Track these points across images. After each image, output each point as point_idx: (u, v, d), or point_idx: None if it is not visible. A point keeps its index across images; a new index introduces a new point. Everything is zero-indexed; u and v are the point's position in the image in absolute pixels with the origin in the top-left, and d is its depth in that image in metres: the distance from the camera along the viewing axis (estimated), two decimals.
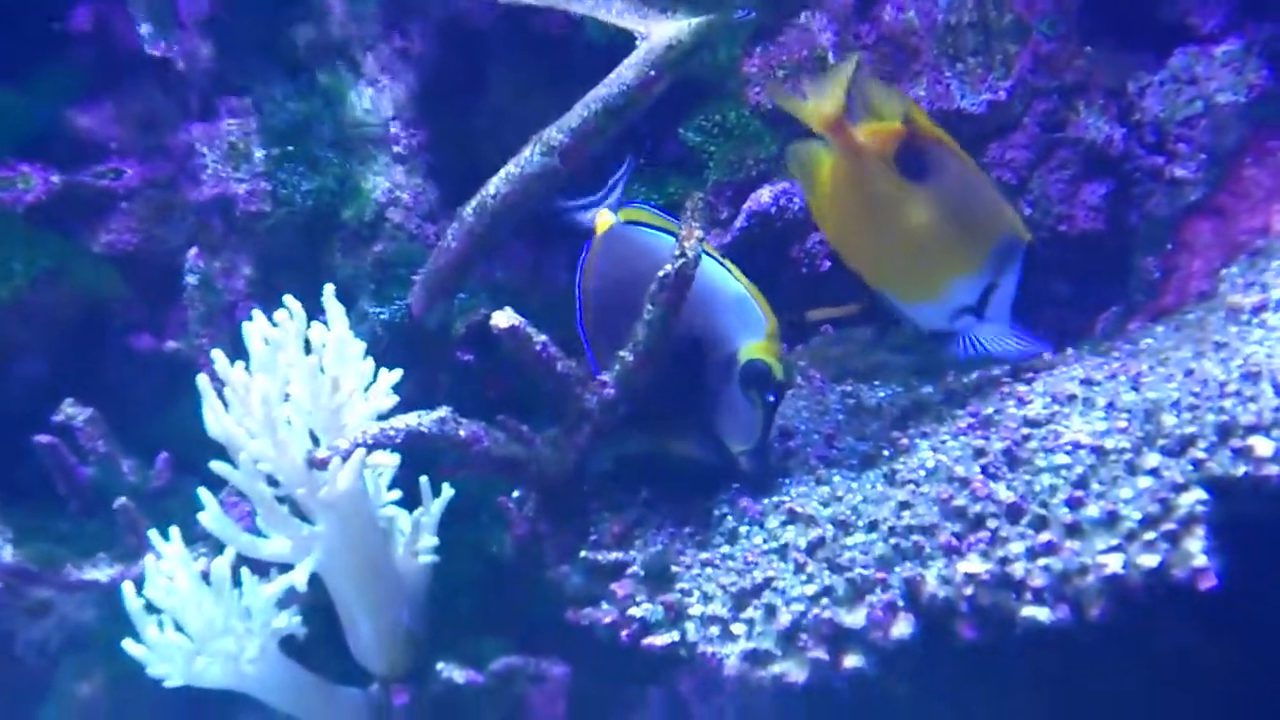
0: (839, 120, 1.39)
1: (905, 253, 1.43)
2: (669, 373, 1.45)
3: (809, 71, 1.86)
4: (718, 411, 1.45)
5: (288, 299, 1.45)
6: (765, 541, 1.40)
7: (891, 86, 1.43)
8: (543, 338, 1.45)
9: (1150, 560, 1.19)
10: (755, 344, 1.44)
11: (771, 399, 1.42)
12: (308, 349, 1.45)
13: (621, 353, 1.46)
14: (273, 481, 1.44)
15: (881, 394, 1.65)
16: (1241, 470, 1.21)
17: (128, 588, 1.45)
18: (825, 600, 1.31)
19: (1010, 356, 1.49)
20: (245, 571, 1.49)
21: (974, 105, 1.84)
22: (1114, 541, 1.21)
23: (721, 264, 1.48)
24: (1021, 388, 1.45)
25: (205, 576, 1.47)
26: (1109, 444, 1.29)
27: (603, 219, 1.56)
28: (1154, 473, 1.24)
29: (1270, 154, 1.70)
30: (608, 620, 1.42)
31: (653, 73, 1.50)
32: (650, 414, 1.50)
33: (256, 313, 1.46)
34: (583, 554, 1.50)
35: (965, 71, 1.86)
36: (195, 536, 1.54)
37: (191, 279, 1.87)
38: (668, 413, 1.50)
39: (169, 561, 1.47)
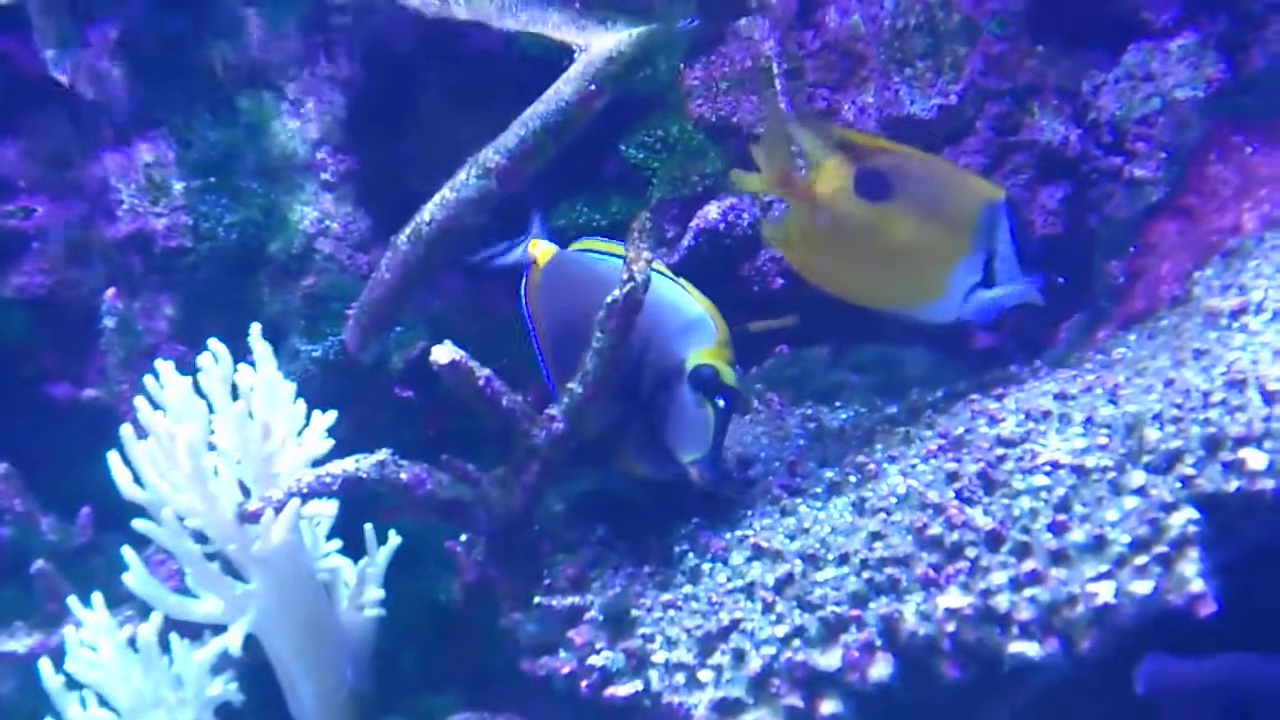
0: (789, 178, 1.41)
1: (898, 268, 1.44)
2: (616, 389, 1.41)
3: (752, 83, 1.80)
4: (667, 423, 1.40)
5: (211, 341, 1.36)
6: (730, 579, 1.33)
7: (818, 122, 1.52)
8: (486, 372, 1.37)
9: (1143, 587, 1.12)
10: (704, 350, 1.39)
11: (723, 403, 1.37)
12: (234, 394, 1.36)
13: (570, 384, 1.39)
14: (201, 538, 1.36)
15: (844, 415, 1.59)
16: (1233, 485, 1.15)
17: (45, 664, 1.36)
18: (797, 642, 1.24)
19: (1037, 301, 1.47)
20: (174, 636, 1.40)
21: (924, 110, 1.80)
22: (1103, 568, 1.15)
23: (664, 274, 1.43)
24: (992, 405, 1.39)
25: (132, 643, 1.38)
26: (1090, 462, 1.23)
27: (541, 250, 1.51)
28: (1140, 492, 1.18)
29: (1235, 149, 1.65)
30: (566, 670, 1.35)
31: (593, 87, 1.42)
32: (598, 434, 1.46)
33: (161, 364, 1.37)
34: (537, 599, 1.42)
35: (914, 76, 1.81)
36: (120, 598, 1.46)
37: (109, 321, 1.77)
38: (616, 430, 1.45)
39: (91, 630, 1.38)
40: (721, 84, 1.82)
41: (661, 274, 1.43)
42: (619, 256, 1.43)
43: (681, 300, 1.42)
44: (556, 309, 1.50)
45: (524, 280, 1.52)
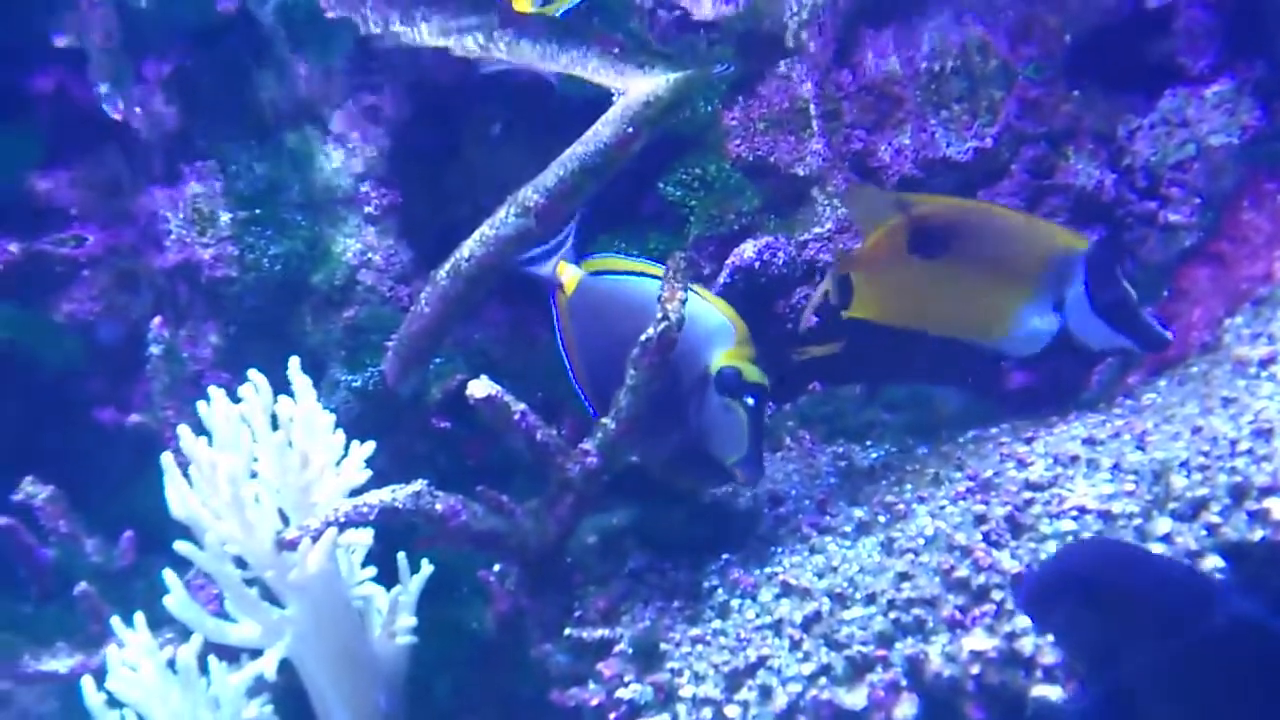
0: (844, 256, 1.51)
1: (962, 313, 1.52)
2: (650, 409, 1.42)
3: (790, 124, 1.82)
4: (704, 430, 1.42)
5: (252, 373, 1.39)
6: (758, 616, 1.34)
7: (875, 190, 1.59)
8: (521, 406, 1.39)
9: None
10: (725, 352, 1.42)
11: (753, 401, 1.39)
12: (275, 424, 1.39)
13: (604, 420, 1.41)
14: (241, 563, 1.38)
15: (874, 455, 1.60)
16: (1259, 535, 1.16)
17: (87, 682, 1.38)
18: (824, 680, 1.25)
19: (1120, 346, 1.51)
20: (213, 659, 1.42)
21: (960, 153, 1.80)
22: None
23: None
24: (1021, 448, 1.40)
25: (171, 665, 1.40)
26: (1116, 508, 1.24)
27: (567, 275, 1.55)
28: (1166, 539, 1.19)
29: (1268, 197, 1.65)
30: (594, 702, 1.36)
31: (630, 130, 1.45)
32: (643, 449, 1.50)
33: (214, 390, 1.40)
34: (567, 631, 1.44)
35: (950, 119, 1.82)
36: (161, 620, 1.47)
37: (155, 349, 1.81)
38: (659, 447, 1.48)
39: (132, 651, 1.40)
40: (759, 124, 1.84)
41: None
42: (640, 274, 1.49)
43: (698, 310, 1.44)
44: (588, 336, 1.53)
45: (553, 306, 1.56)
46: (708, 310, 1.45)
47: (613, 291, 1.52)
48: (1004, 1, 1.81)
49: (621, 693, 1.34)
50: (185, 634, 1.41)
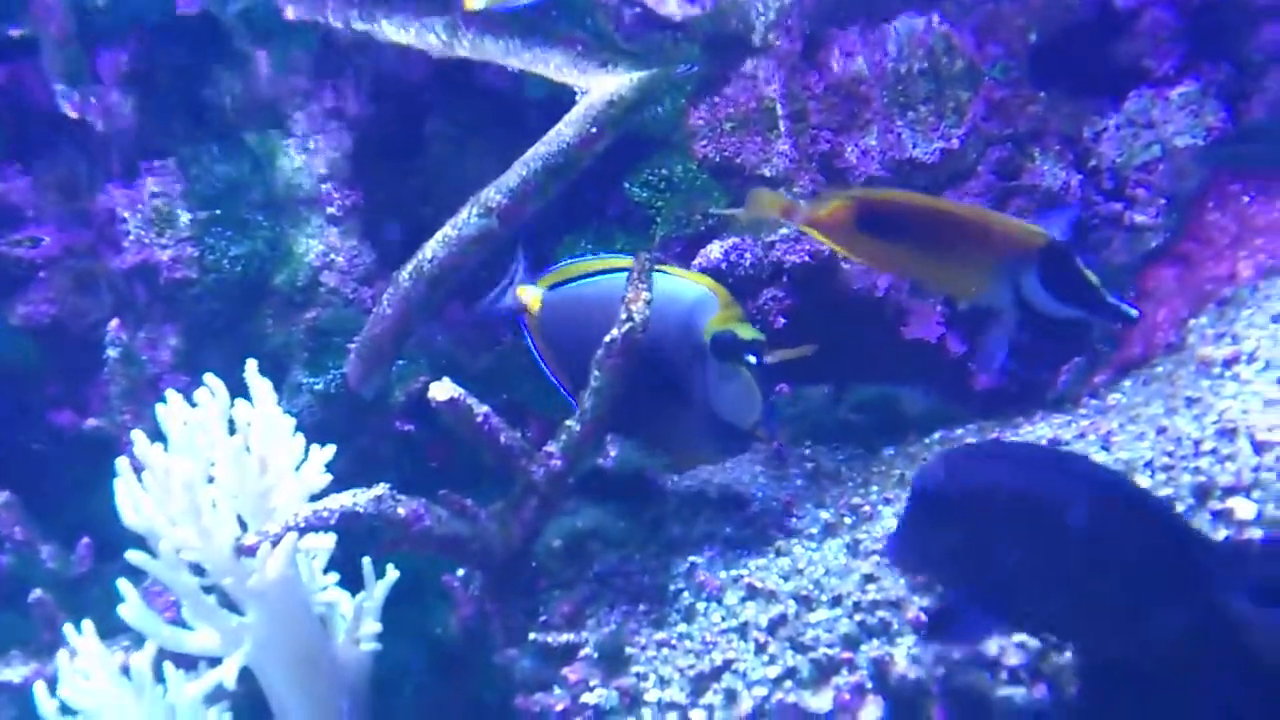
0: (792, 208, 1.47)
1: (923, 281, 1.56)
2: (652, 396, 1.42)
3: (756, 124, 1.82)
4: (713, 401, 1.40)
5: (208, 377, 1.37)
6: (724, 619, 1.33)
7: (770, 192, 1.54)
8: (484, 409, 1.38)
9: None
10: (714, 319, 1.40)
11: (754, 359, 1.37)
12: (233, 428, 1.37)
13: (569, 422, 1.40)
14: (199, 570, 1.36)
15: (841, 456, 1.59)
16: (1223, 534, 1.15)
17: (40, 689, 1.36)
18: (789, 683, 1.25)
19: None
20: (169, 667, 1.39)
21: (927, 154, 1.80)
22: None
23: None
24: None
25: (126, 672, 1.38)
26: None
27: (528, 297, 1.53)
28: None
29: (1232, 198, 1.66)
30: (560, 707, 1.34)
31: (594, 129, 1.44)
32: (657, 438, 1.51)
33: (171, 393, 1.38)
34: (532, 635, 1.42)
35: (917, 120, 1.82)
36: (118, 628, 1.45)
37: (113, 351, 1.78)
38: (673, 431, 1.47)
39: (85, 658, 1.38)
40: (725, 125, 1.83)
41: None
42: (599, 273, 1.47)
43: (677, 287, 1.43)
44: (564, 345, 1.51)
45: (524, 329, 1.54)
46: (684, 285, 1.43)
47: (578, 297, 1.50)
48: (970, 1, 1.81)
49: (587, 697, 1.32)
50: (142, 642, 1.39)
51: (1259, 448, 1.19)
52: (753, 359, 1.37)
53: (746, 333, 1.39)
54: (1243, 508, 1.15)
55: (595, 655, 1.37)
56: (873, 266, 1.53)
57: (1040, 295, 1.41)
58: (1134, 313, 1.40)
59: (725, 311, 1.41)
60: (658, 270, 1.43)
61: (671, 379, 1.42)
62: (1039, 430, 1.40)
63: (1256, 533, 1.14)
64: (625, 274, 1.37)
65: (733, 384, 1.39)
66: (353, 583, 1.53)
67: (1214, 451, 1.21)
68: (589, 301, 1.48)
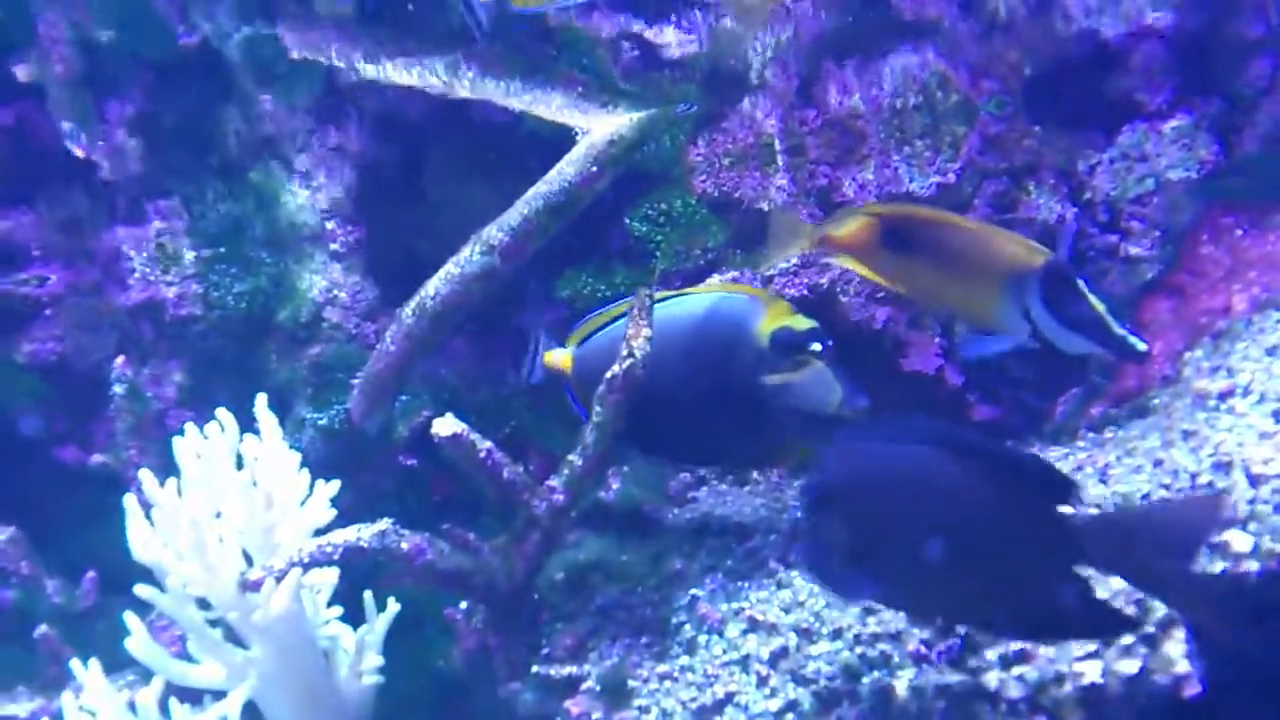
0: (826, 237, 1.49)
1: (940, 300, 1.54)
2: (726, 418, 1.42)
3: (755, 159, 1.83)
4: (792, 399, 1.39)
5: (219, 412, 1.38)
6: (725, 652, 1.34)
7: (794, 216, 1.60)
8: (487, 444, 1.39)
9: (1130, 667, 1.13)
10: (763, 322, 1.40)
11: (820, 344, 1.37)
12: (240, 463, 1.38)
13: (571, 456, 1.41)
14: (204, 604, 1.37)
15: None
16: (1219, 567, 1.16)
17: None
18: (791, 715, 1.26)
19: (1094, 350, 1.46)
20: (174, 701, 1.40)
21: (923, 188, 1.81)
22: (1091, 647, 1.16)
23: (680, 294, 1.46)
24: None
25: (132, 708, 1.39)
26: None
27: (557, 359, 1.55)
28: None
29: (1226, 230, 1.67)
30: None
31: (594, 168, 1.45)
32: (742, 457, 1.52)
33: (190, 427, 1.39)
34: (535, 668, 1.43)
35: (913, 154, 1.83)
36: (124, 662, 1.46)
37: (118, 388, 1.80)
38: (757, 444, 1.47)
39: (91, 693, 1.38)
40: (724, 160, 1.85)
41: (679, 294, 1.45)
42: (617, 318, 1.48)
43: (718, 302, 1.43)
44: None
45: (569, 394, 1.56)
46: (726, 299, 1.43)
47: (605, 346, 1.50)
48: (964, 37, 1.83)
49: None
50: (148, 676, 1.40)
51: (1254, 481, 1.20)
52: (817, 346, 1.37)
53: (801, 324, 1.38)
54: (1239, 541, 1.16)
55: (598, 688, 1.37)
56: (894, 285, 1.52)
57: (1045, 320, 1.42)
58: (1143, 347, 1.39)
59: (772, 309, 1.41)
60: (689, 293, 1.44)
61: (740, 394, 1.41)
62: None
63: (1253, 565, 1.15)
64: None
65: (805, 376, 1.38)
66: (356, 616, 1.54)
67: (1210, 485, 1.22)
68: (613, 346, 1.46)
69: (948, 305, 1.56)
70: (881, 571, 1.10)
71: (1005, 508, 1.05)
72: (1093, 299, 1.41)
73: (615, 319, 1.51)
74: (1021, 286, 1.42)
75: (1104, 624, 1.07)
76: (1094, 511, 1.16)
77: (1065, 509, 1.04)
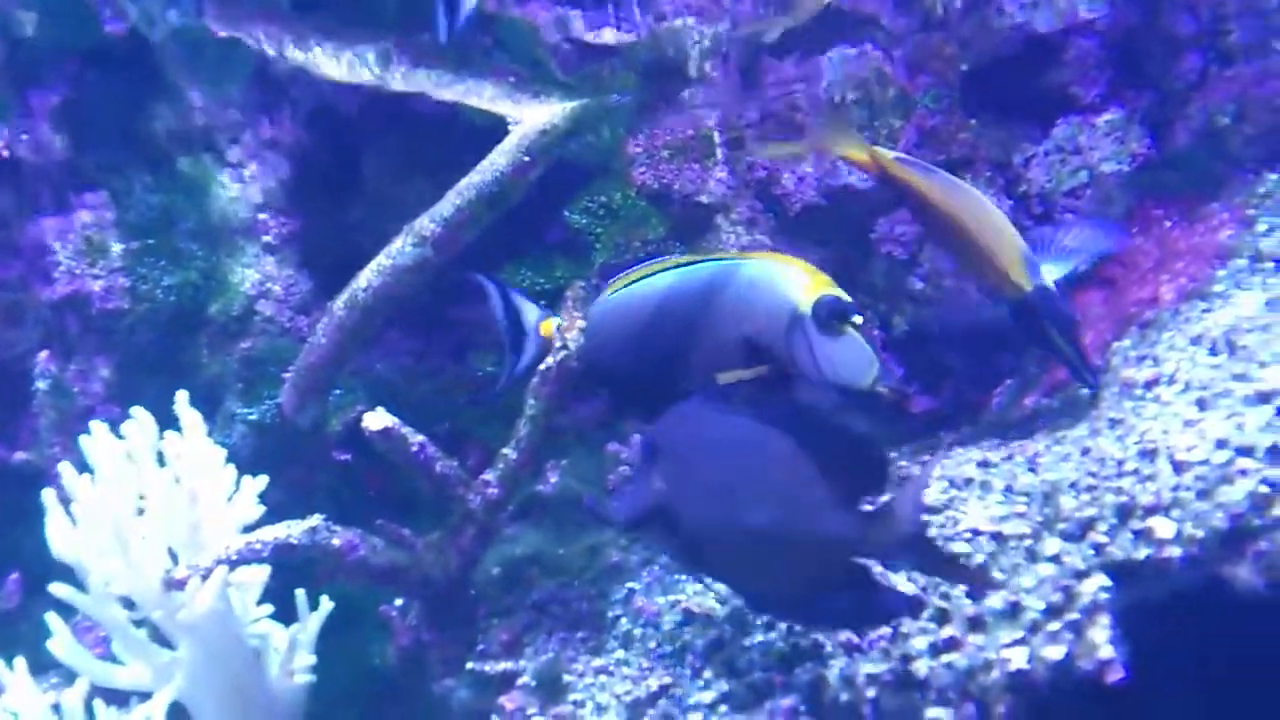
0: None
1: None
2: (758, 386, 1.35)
3: (694, 152, 1.83)
4: (828, 369, 1.30)
5: (136, 409, 1.36)
6: (661, 644, 1.34)
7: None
8: (420, 438, 1.38)
9: (1055, 653, 1.14)
10: (808, 286, 1.31)
11: (859, 318, 1.29)
12: (164, 460, 1.36)
13: (505, 450, 1.40)
14: (129, 603, 1.35)
15: None
16: (1143, 554, 1.17)
17: None
18: (724, 707, 1.25)
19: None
20: (99, 703, 1.38)
21: (862, 180, 1.82)
22: (1018, 634, 1.17)
23: (716, 258, 1.39)
24: (919, 471, 1.41)
25: (57, 709, 1.37)
26: (1008, 529, 1.25)
27: (564, 324, 1.43)
28: (1055, 559, 1.21)
29: (1156, 223, 1.69)
30: None
31: (527, 158, 1.44)
32: None
33: (96, 424, 1.37)
34: (470, 664, 1.42)
35: None
36: (48, 664, 1.43)
37: (42, 384, 1.77)
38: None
39: (15, 696, 1.36)
40: (664, 152, 1.84)
41: (708, 259, 1.39)
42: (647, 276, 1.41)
43: (757, 267, 1.35)
44: (628, 355, 1.41)
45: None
46: (765, 264, 1.35)
47: (630, 304, 1.41)
48: (901, 32, 1.84)
49: None
50: (73, 678, 1.38)
51: (1178, 468, 1.21)
52: (859, 318, 1.28)
53: (844, 295, 1.30)
54: (1162, 527, 1.17)
55: (533, 683, 1.37)
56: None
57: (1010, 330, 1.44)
58: (1091, 386, 1.42)
59: (813, 279, 1.32)
60: (725, 258, 1.38)
61: (777, 362, 1.33)
62: (970, 453, 1.42)
63: (1176, 551, 1.16)
64: (655, 274, 1.36)
65: (844, 347, 1.29)
66: (291, 615, 1.52)
67: (1136, 472, 1.23)
68: (640, 305, 1.40)
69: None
70: (677, 530, 1.12)
71: (795, 487, 1.06)
72: (1056, 338, 1.42)
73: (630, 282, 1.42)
74: (997, 299, 1.43)
75: (883, 608, 1.09)
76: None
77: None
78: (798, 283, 1.31)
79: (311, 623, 1.49)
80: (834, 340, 1.29)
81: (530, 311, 1.48)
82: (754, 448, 1.10)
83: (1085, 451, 1.29)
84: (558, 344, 1.36)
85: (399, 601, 1.52)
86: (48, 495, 1.32)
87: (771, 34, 1.51)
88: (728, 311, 1.33)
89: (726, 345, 1.33)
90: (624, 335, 1.40)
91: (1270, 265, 1.50)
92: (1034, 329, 1.41)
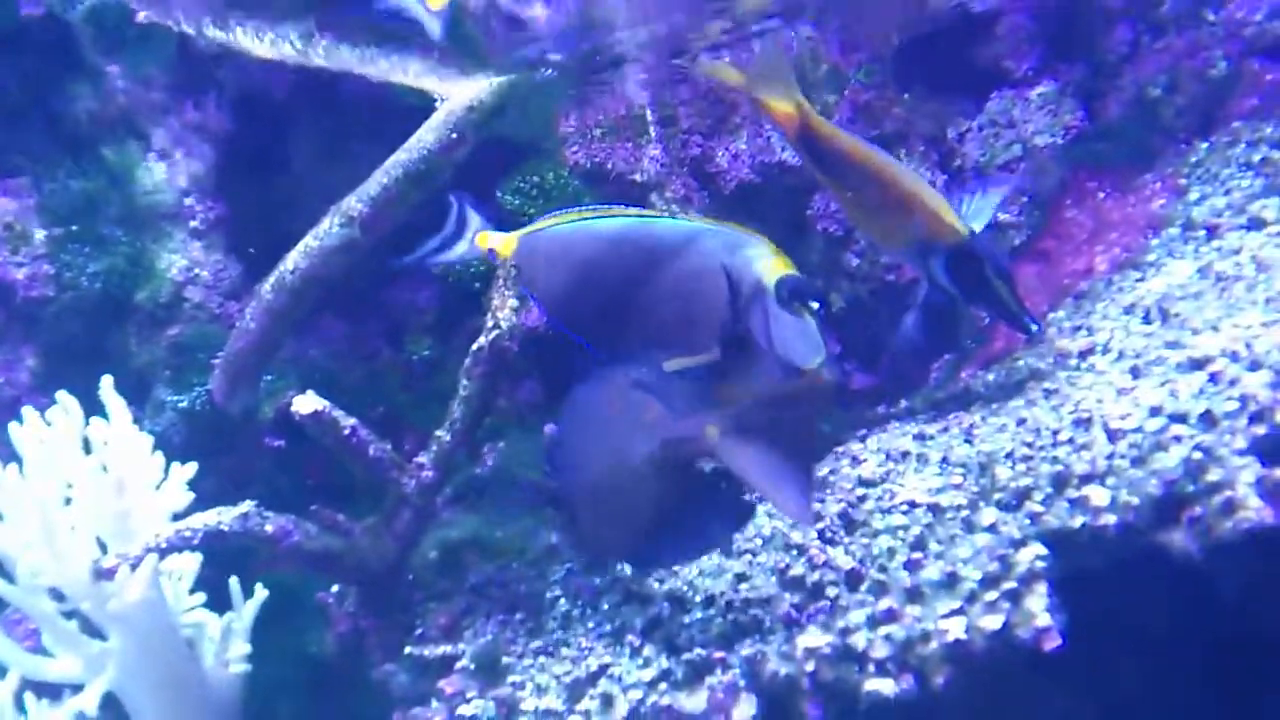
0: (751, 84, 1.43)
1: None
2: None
3: (627, 131, 1.82)
4: (778, 345, 1.32)
5: (61, 395, 1.33)
6: (599, 624, 1.33)
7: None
8: (351, 421, 1.36)
9: (993, 622, 1.14)
10: (770, 263, 1.33)
11: (818, 305, 1.32)
12: (89, 448, 1.33)
13: (439, 432, 1.39)
14: (58, 595, 1.32)
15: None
16: (1079, 521, 1.18)
17: None
18: (664, 685, 1.24)
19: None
20: (30, 697, 1.35)
21: (795, 156, 1.82)
22: (955, 605, 1.17)
23: (665, 215, 1.43)
24: (855, 445, 1.41)
25: None
26: (945, 501, 1.25)
27: (500, 240, 1.46)
28: (992, 529, 1.21)
29: (1089, 195, 1.70)
30: None
31: (454, 135, 1.42)
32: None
33: (28, 410, 1.33)
34: (408, 649, 1.40)
35: None
36: None
37: None
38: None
39: None
40: (596, 131, 1.83)
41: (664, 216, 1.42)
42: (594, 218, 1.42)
43: (724, 235, 1.36)
44: (567, 284, 1.43)
45: (506, 268, 1.44)
46: (733, 232, 1.36)
47: (562, 238, 1.43)
48: (834, 7, 1.83)
49: (463, 709, 1.31)
50: (2, 672, 1.35)
51: (1112, 436, 1.21)
52: (816, 305, 1.31)
53: (804, 278, 1.33)
54: (1097, 495, 1.18)
55: (472, 666, 1.35)
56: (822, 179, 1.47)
57: (944, 282, 1.41)
58: (1034, 328, 1.39)
59: (777, 259, 1.34)
60: (688, 221, 1.39)
61: (729, 330, 1.35)
62: (907, 427, 1.42)
63: (1111, 519, 1.17)
64: (611, 218, 1.37)
65: (798, 327, 1.32)
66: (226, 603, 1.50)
67: (1071, 441, 1.24)
68: (578, 240, 1.42)
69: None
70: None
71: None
72: (996, 282, 1.39)
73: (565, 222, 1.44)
74: (928, 251, 1.40)
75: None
76: None
77: None
78: (762, 256, 1.34)
79: (246, 611, 1.47)
80: (790, 319, 1.31)
81: (475, 220, 1.48)
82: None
83: (1021, 422, 1.30)
84: (489, 324, 1.34)
85: (335, 588, 1.50)
86: None
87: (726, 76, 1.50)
88: (686, 270, 1.34)
89: (676, 301, 1.35)
90: (568, 268, 1.41)
91: (1202, 233, 1.52)
92: (976, 274, 1.39)
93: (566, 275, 1.43)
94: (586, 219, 1.44)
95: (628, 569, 1.36)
